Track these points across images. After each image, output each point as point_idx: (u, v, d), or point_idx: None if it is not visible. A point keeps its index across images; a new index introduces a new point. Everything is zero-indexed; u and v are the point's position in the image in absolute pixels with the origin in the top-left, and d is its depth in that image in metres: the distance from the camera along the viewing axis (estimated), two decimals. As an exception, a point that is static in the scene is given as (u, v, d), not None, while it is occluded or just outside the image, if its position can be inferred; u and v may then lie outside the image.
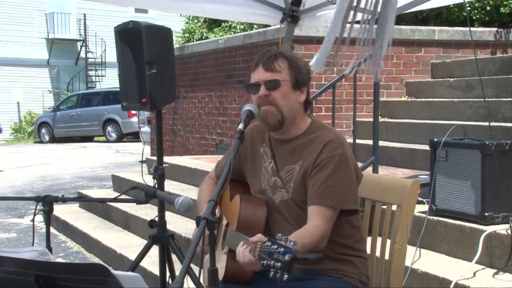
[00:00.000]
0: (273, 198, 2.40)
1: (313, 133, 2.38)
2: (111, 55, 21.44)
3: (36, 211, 2.54)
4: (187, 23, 11.57)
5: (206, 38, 10.53)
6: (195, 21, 11.42)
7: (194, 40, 10.72)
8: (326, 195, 2.24)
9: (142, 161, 3.88)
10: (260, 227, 2.32)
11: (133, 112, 17.24)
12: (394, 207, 2.53)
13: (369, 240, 2.62)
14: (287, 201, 2.37)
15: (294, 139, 2.39)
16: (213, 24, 11.10)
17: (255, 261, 1.91)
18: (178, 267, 2.81)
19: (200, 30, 11.01)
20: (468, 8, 7.71)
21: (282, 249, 1.76)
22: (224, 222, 2.49)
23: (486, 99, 5.90)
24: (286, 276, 1.75)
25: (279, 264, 1.75)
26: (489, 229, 3.49)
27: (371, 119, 4.97)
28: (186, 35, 11.09)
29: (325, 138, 2.32)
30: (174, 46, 4.62)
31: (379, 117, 5.26)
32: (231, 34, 9.87)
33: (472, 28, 7.59)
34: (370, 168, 4.67)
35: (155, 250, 3.41)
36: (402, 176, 5.06)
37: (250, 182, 2.54)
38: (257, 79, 2.35)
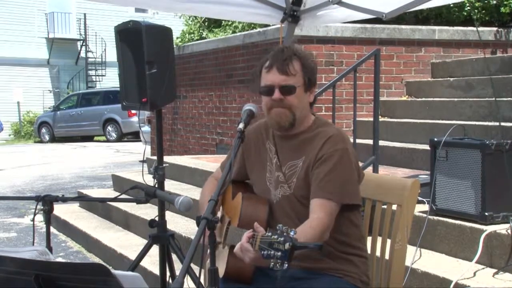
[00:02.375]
0: (275, 193, 2.41)
1: (316, 129, 2.39)
2: (111, 55, 21.45)
3: (36, 211, 2.54)
4: (186, 24, 11.54)
5: (204, 38, 10.50)
6: (195, 21, 11.39)
7: (192, 41, 10.69)
8: (327, 189, 2.25)
9: (142, 161, 3.88)
10: (262, 225, 2.32)
11: (133, 111, 17.26)
12: (394, 207, 2.53)
13: (369, 240, 2.62)
14: (288, 197, 2.37)
15: (297, 135, 2.40)
16: (213, 23, 11.08)
17: (254, 252, 1.91)
18: (178, 266, 2.81)
19: (199, 31, 10.98)
20: (468, 8, 7.70)
21: (282, 239, 1.76)
22: (226, 220, 2.49)
23: (487, 99, 5.90)
24: (287, 265, 1.75)
25: (279, 253, 1.75)
26: (489, 228, 3.49)
27: (371, 119, 4.98)
28: (187, 35, 11.06)
29: (327, 134, 2.34)
30: (174, 46, 4.62)
31: (379, 116, 5.26)
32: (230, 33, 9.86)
33: (472, 28, 7.58)
34: (370, 168, 4.67)
35: (155, 250, 3.41)
36: (402, 176, 5.05)
37: (254, 178, 2.54)
38: (271, 82, 2.33)
